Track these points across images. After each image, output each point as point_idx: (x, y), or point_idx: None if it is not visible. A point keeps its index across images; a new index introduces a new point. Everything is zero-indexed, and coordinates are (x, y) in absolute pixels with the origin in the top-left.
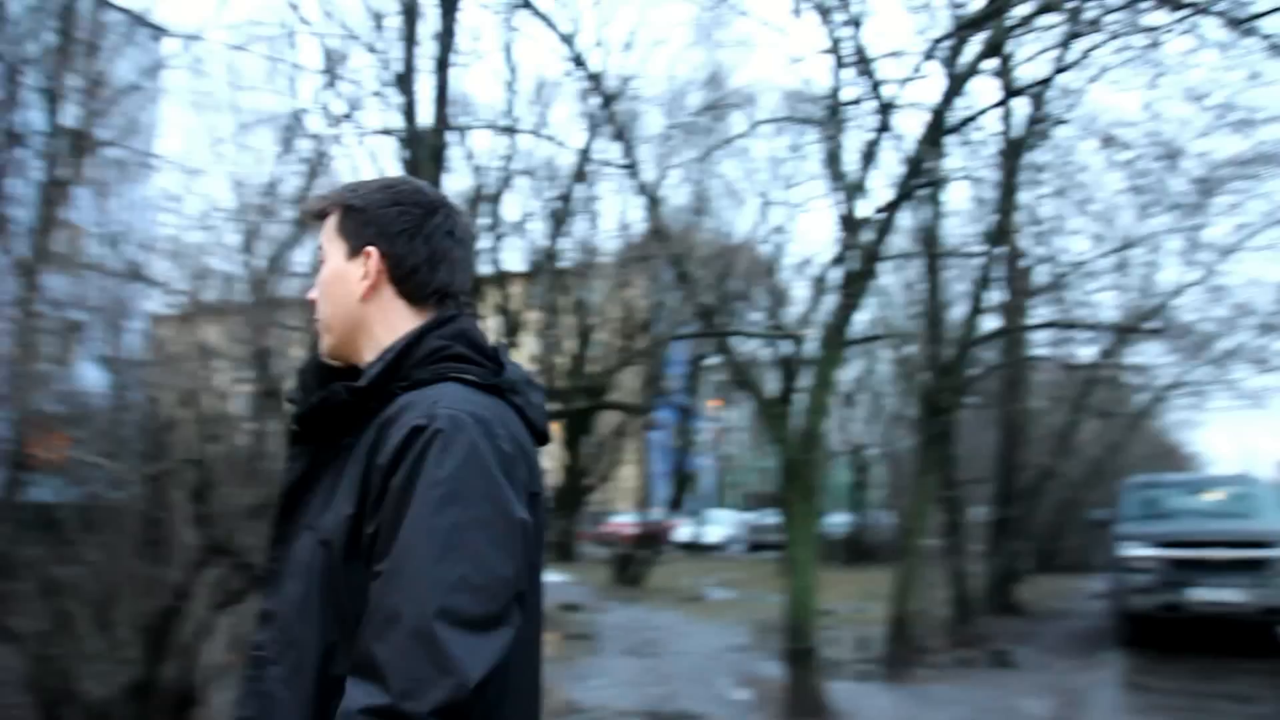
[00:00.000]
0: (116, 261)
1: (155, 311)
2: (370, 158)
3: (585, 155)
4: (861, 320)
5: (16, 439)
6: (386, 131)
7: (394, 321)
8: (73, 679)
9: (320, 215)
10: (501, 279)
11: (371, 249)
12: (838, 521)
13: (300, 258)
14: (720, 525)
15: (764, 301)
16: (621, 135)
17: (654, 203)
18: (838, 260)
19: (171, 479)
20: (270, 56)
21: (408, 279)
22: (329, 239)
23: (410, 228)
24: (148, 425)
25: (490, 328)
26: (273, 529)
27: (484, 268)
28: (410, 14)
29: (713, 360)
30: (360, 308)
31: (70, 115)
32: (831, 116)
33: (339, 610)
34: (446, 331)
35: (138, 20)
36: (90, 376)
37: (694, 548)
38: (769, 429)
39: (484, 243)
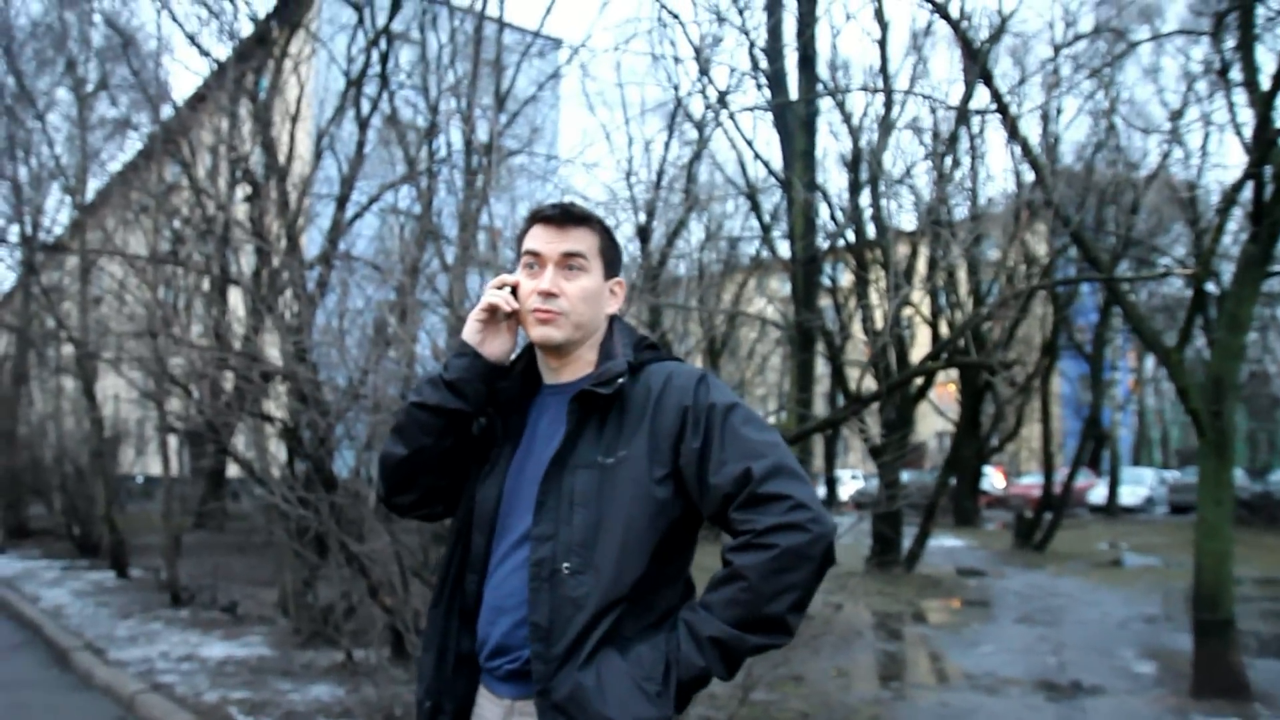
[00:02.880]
0: None
1: None
2: (746, 139)
3: (965, 104)
4: None
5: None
6: (756, 107)
7: (604, 323)
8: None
9: (581, 219)
10: (885, 237)
11: (622, 281)
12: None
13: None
14: (1138, 485)
15: (1182, 236)
16: (989, 81)
17: (1025, 144)
18: (1247, 179)
19: None
20: (650, 53)
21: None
22: (593, 254)
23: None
24: None
25: (880, 288)
26: (547, 470)
27: (869, 227)
28: None
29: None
30: (603, 320)
31: (482, 130)
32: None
33: (633, 523)
34: (637, 333)
35: (535, 36)
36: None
37: (1109, 509)
38: (1171, 378)
39: (866, 202)
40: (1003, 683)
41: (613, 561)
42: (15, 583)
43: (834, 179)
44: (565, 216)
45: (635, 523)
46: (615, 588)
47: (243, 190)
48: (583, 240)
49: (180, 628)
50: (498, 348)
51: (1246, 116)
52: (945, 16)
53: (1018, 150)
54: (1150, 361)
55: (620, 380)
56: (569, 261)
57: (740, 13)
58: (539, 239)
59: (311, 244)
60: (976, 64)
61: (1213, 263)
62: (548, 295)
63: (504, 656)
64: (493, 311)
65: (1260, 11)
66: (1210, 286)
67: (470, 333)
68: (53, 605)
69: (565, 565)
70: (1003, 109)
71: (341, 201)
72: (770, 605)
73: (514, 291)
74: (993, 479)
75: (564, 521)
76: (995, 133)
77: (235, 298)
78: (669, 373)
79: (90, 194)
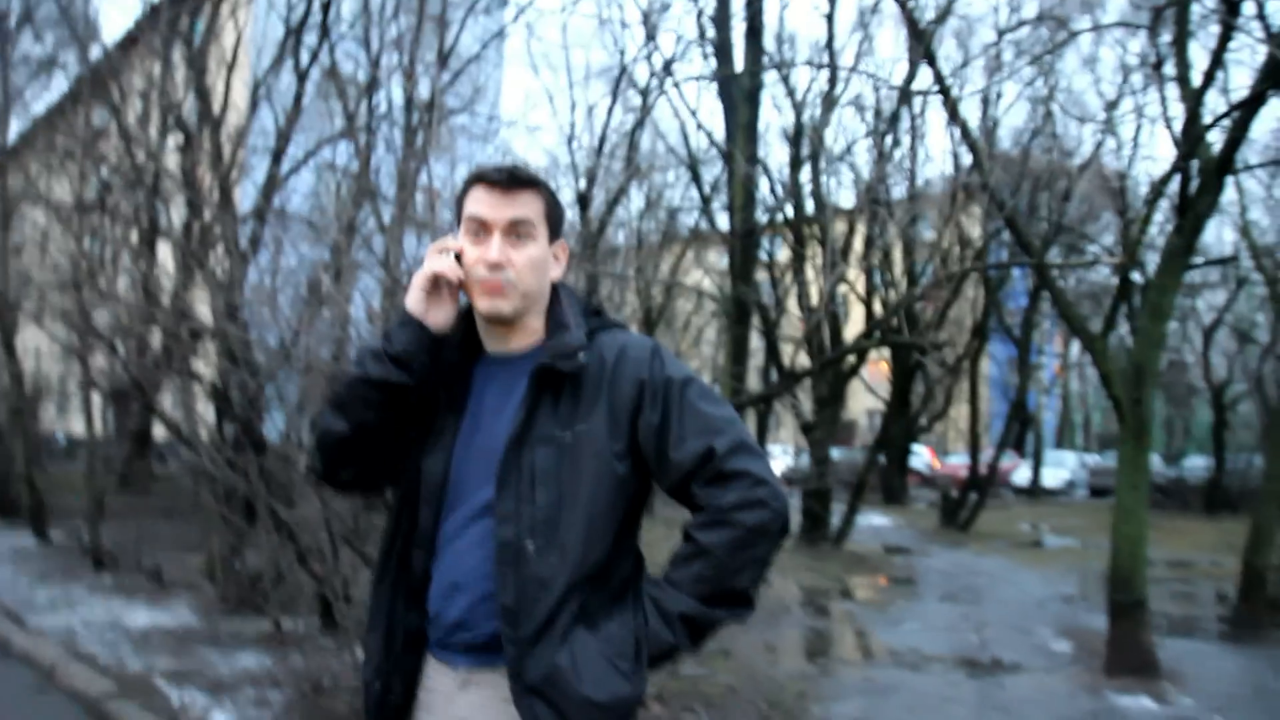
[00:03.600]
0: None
1: None
2: (690, 109)
3: (908, 84)
4: (1215, 242)
5: None
6: (701, 76)
7: (549, 290)
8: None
9: (528, 183)
10: (823, 214)
11: (566, 245)
12: (1195, 466)
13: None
14: (1060, 468)
15: (1111, 225)
16: (932, 62)
17: (964, 127)
18: (1174, 173)
19: None
20: (598, 16)
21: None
22: (539, 220)
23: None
24: None
25: (816, 264)
26: (506, 447)
27: (808, 203)
28: None
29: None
30: (548, 286)
31: (423, 88)
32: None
33: (596, 500)
34: (583, 299)
35: None
36: None
37: (1032, 491)
38: (1095, 364)
39: (806, 177)
40: (926, 659)
41: (579, 539)
42: None
43: (775, 153)
44: (512, 180)
45: (599, 498)
46: (582, 566)
47: (175, 139)
48: (530, 205)
49: (103, 594)
50: (441, 317)
51: (1177, 111)
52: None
53: (957, 132)
54: (1076, 347)
55: (582, 356)
56: (516, 229)
57: None
58: (483, 204)
59: (245, 198)
60: (921, 44)
61: (1139, 252)
62: (495, 266)
63: (461, 629)
64: (436, 280)
65: (1195, 9)
66: (1136, 276)
67: (414, 302)
68: None
69: (530, 544)
70: (944, 91)
71: (277, 155)
72: (735, 579)
73: (457, 258)
74: (924, 458)
75: (525, 499)
76: (936, 114)
77: (165, 252)
78: (621, 344)
79: (12, 136)
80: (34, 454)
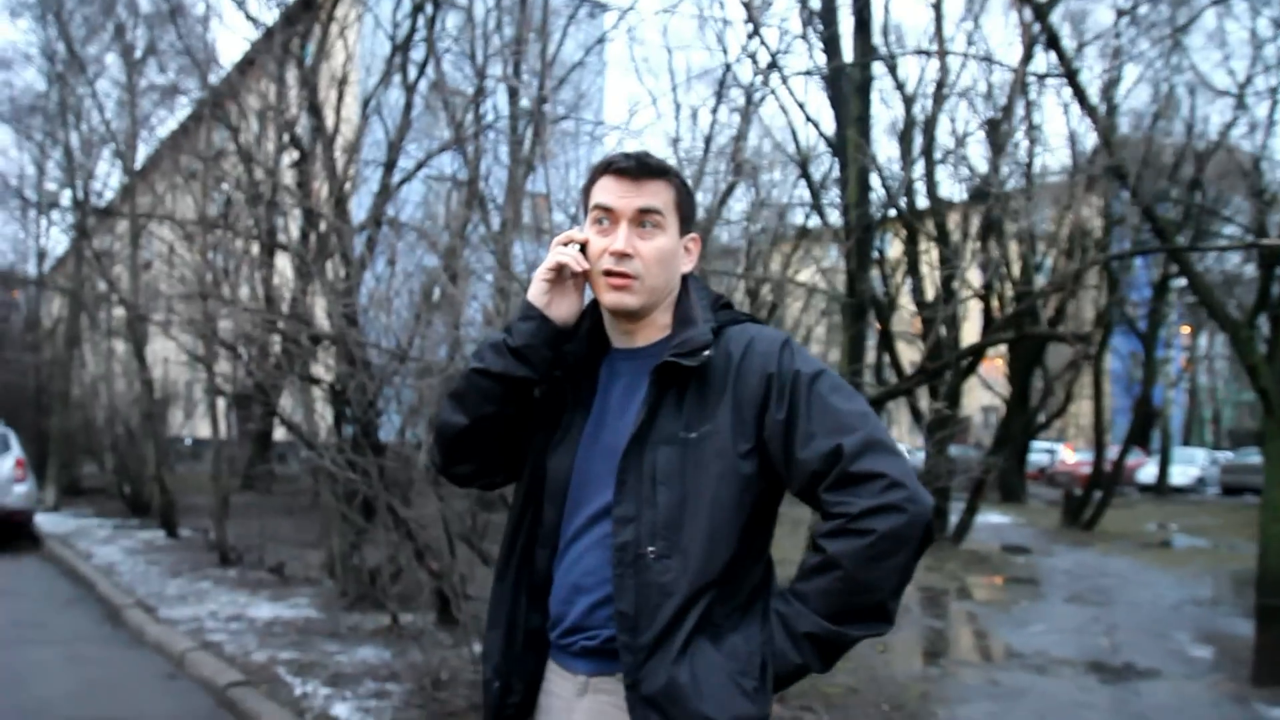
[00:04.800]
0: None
1: None
2: (797, 102)
3: (1020, 72)
4: None
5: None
6: (809, 71)
7: (678, 284)
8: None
9: (657, 172)
10: (938, 208)
11: (697, 238)
12: None
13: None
14: (1190, 465)
15: (1245, 208)
16: (1055, 43)
17: (1093, 112)
18: None
19: None
20: (699, 15)
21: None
22: (669, 210)
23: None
24: None
25: (931, 259)
26: (626, 448)
27: (920, 198)
28: None
29: (1181, 281)
30: (678, 280)
31: (528, 97)
32: None
33: (720, 502)
34: (713, 292)
35: (581, 2)
36: None
37: (1159, 489)
38: (1240, 355)
39: (919, 171)
40: (1054, 662)
41: (701, 544)
42: (70, 540)
43: (883, 148)
44: (641, 168)
45: (722, 501)
46: (705, 572)
47: (290, 155)
48: (659, 194)
49: (228, 587)
50: (565, 309)
51: None
52: None
53: (1078, 116)
54: (1204, 339)
55: (707, 353)
56: (644, 218)
57: None
58: (611, 192)
59: (359, 209)
60: (1041, 23)
61: None
62: (622, 256)
63: (581, 634)
64: (560, 271)
65: None
66: None
67: (536, 294)
68: (105, 563)
69: (650, 549)
70: (1069, 72)
71: (389, 166)
72: (869, 594)
73: (582, 249)
74: (1062, 454)
75: (646, 502)
76: (1050, 101)
77: (283, 262)
78: (750, 338)
79: (140, 159)
80: (163, 456)
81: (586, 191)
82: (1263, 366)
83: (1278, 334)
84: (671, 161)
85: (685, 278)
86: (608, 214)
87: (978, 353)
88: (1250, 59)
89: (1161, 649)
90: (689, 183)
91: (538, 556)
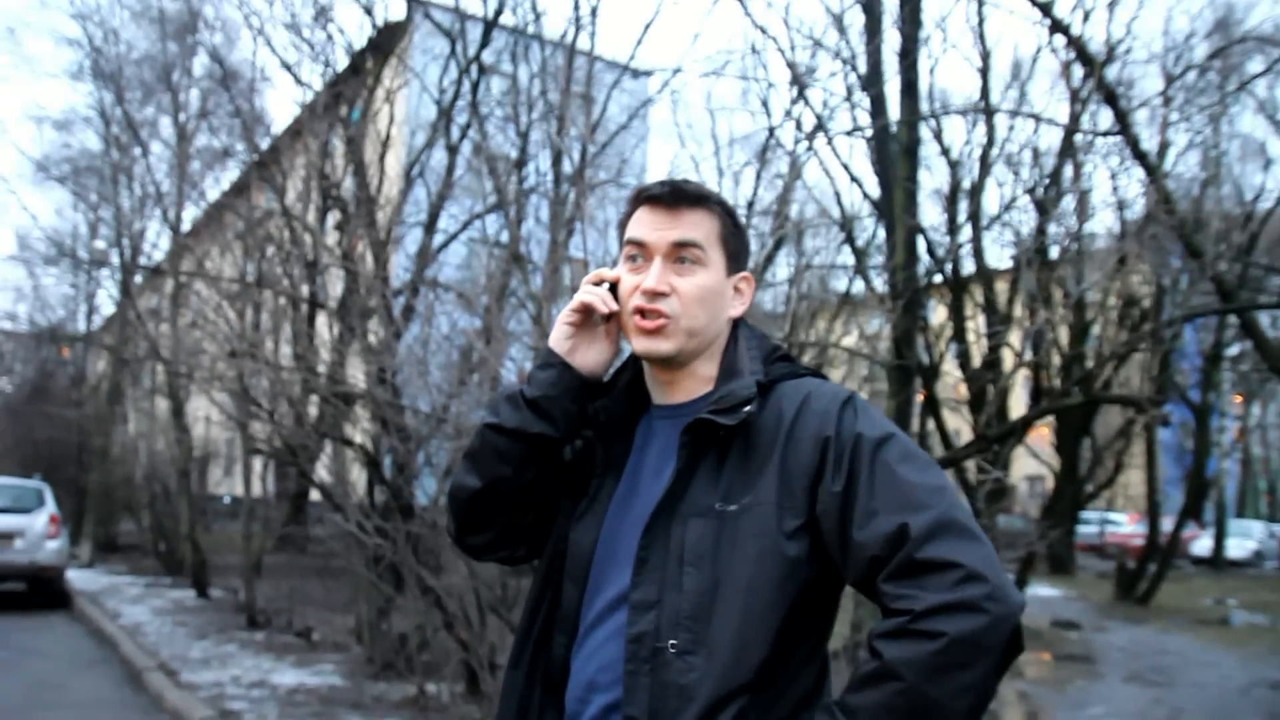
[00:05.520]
0: None
1: None
2: (842, 163)
3: (1072, 129)
4: None
5: None
6: (856, 129)
7: (726, 329)
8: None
9: (697, 200)
10: (986, 274)
11: (750, 277)
12: None
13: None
14: (1247, 537)
15: None
16: (1113, 100)
17: (1153, 170)
18: None
19: None
20: (743, 75)
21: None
22: (711, 243)
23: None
24: None
25: (976, 326)
26: (651, 519)
27: (966, 264)
28: (871, 9)
29: (1233, 349)
30: (724, 325)
31: (570, 161)
32: None
33: (757, 588)
34: (768, 340)
35: (624, 68)
36: None
37: (1214, 562)
38: None
39: (965, 236)
40: None
41: (730, 638)
42: (99, 598)
43: (928, 213)
44: (677, 196)
45: (760, 588)
46: (735, 672)
47: (333, 217)
48: (699, 226)
49: (254, 651)
50: (593, 358)
51: None
52: (1063, 31)
53: (1126, 183)
54: (1257, 408)
55: (748, 409)
56: (681, 252)
57: (839, 37)
58: (644, 225)
59: (400, 270)
60: (1096, 78)
61: None
62: (654, 295)
63: None
64: (587, 313)
65: None
66: None
67: (558, 339)
68: (132, 622)
69: (671, 643)
70: (1125, 128)
71: (429, 227)
72: (936, 714)
73: (613, 289)
74: (1122, 522)
75: (670, 585)
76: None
77: (323, 324)
78: (806, 393)
79: (189, 221)
80: (198, 514)
81: (622, 227)
82: None
83: None
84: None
85: (735, 324)
86: (640, 249)
87: (1041, 416)
88: None
89: None
90: (737, 213)
91: (555, 643)
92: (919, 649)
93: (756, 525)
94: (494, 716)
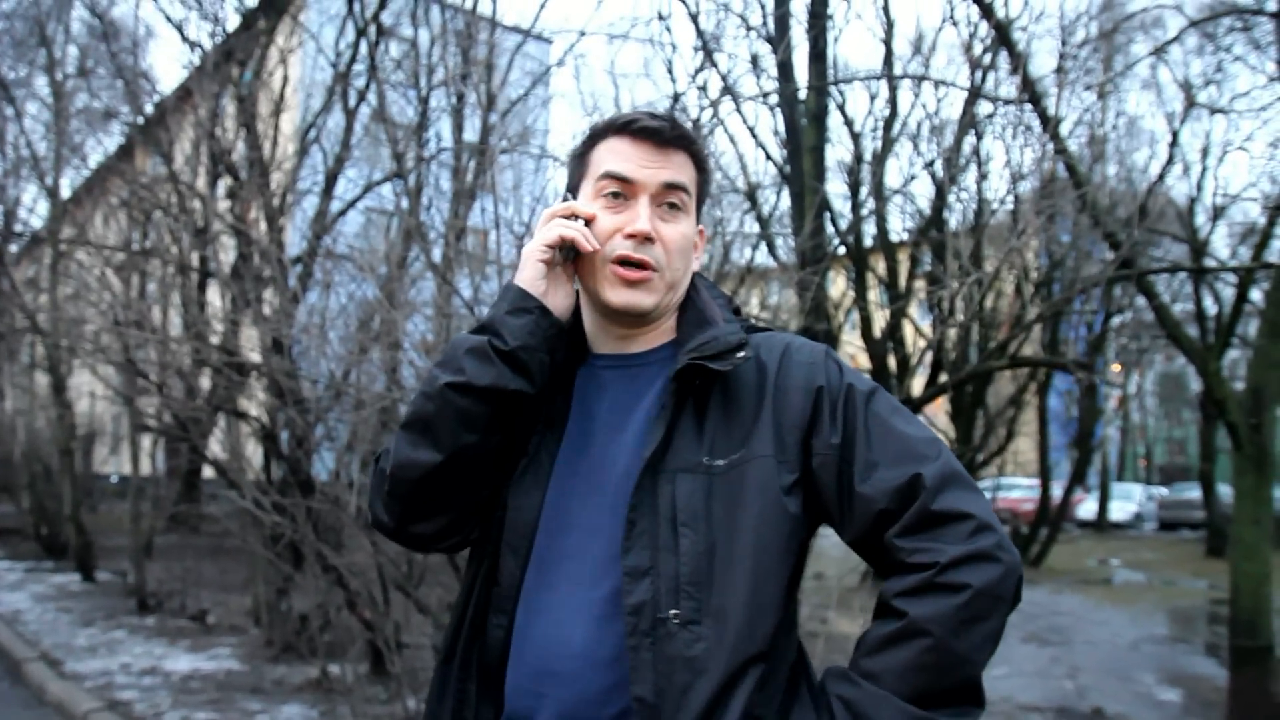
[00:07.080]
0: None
1: None
2: (749, 128)
3: (975, 93)
4: None
5: None
6: (764, 96)
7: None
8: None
9: (689, 143)
10: (887, 247)
11: (703, 229)
12: None
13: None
14: (1127, 501)
15: (1171, 250)
16: (1019, 66)
17: (1058, 137)
18: None
19: None
20: (649, 39)
21: None
22: (693, 189)
23: None
24: None
25: (875, 299)
26: (640, 479)
27: (867, 237)
28: None
29: (1117, 320)
30: (689, 277)
31: (471, 129)
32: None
33: (765, 549)
34: (723, 294)
35: (526, 34)
36: None
37: (1099, 525)
38: (1210, 388)
39: (867, 210)
40: (1022, 709)
41: (742, 604)
42: None
43: (830, 186)
44: (674, 133)
45: (767, 548)
46: (748, 643)
47: (225, 183)
48: (685, 169)
49: (145, 637)
50: (561, 302)
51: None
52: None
53: (1030, 148)
54: (1135, 377)
55: (741, 354)
56: (669, 196)
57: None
58: (630, 159)
59: (295, 237)
60: (1007, 46)
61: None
62: (644, 239)
63: None
64: (560, 250)
65: None
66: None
67: (532, 278)
68: (11, 610)
69: (673, 612)
70: (1034, 98)
71: (327, 193)
72: (962, 669)
73: (588, 226)
74: (1026, 488)
75: (665, 549)
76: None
77: (215, 294)
78: (785, 344)
79: (69, 187)
80: (81, 495)
81: (582, 157)
82: (1231, 400)
83: (1251, 366)
84: None
85: (695, 276)
86: (625, 185)
87: (969, 380)
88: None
89: (1129, 692)
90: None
91: (490, 625)
92: (946, 603)
93: (757, 481)
94: (415, 680)
